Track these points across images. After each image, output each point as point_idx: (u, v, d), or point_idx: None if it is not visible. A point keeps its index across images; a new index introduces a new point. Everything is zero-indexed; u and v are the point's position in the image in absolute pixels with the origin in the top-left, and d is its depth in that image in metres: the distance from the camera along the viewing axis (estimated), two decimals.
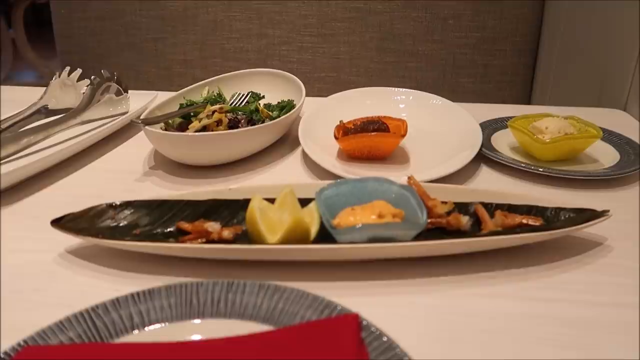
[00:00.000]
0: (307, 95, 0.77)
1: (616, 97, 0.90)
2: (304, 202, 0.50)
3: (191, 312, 0.38)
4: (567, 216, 0.50)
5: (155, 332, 0.37)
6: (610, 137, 0.70)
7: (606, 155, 0.67)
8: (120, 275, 0.46)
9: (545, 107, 0.86)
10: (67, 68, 0.84)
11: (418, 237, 0.46)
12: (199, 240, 0.48)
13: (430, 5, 1.30)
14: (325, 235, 0.46)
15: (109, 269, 0.47)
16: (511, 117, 0.74)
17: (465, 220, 0.48)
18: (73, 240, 0.49)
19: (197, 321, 0.38)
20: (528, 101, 1.35)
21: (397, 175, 0.63)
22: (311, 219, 0.48)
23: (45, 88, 0.83)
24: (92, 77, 0.80)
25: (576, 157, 0.67)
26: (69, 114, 0.75)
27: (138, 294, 0.39)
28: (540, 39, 1.30)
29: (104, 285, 0.45)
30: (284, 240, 0.45)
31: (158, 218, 0.51)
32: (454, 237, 0.47)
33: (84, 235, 0.46)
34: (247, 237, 0.48)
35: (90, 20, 1.45)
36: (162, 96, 0.78)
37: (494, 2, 1.28)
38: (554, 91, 1.22)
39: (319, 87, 1.39)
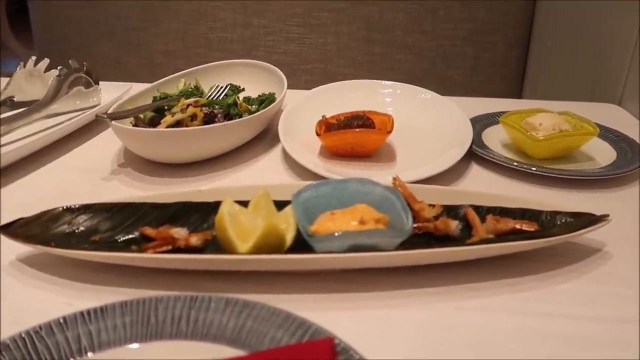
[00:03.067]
0: (293, 87, 0.72)
1: (610, 92, 0.87)
2: (281, 204, 0.46)
3: (149, 332, 0.34)
4: (563, 221, 0.46)
5: (104, 357, 0.33)
6: (606, 133, 0.67)
7: (602, 153, 0.63)
8: (74, 288, 0.42)
9: (538, 101, 0.83)
10: (34, 57, 0.79)
11: (403, 244, 0.42)
12: (164, 247, 0.43)
13: None
14: (302, 242, 0.42)
15: (62, 279, 0.42)
16: (503, 112, 0.71)
17: (454, 225, 0.45)
18: (25, 248, 0.44)
19: (155, 343, 0.34)
20: (519, 95, 1.32)
21: (383, 174, 0.59)
22: (287, 224, 0.44)
23: (8, 79, 0.77)
24: (59, 67, 0.75)
25: (571, 154, 0.63)
26: (33, 107, 0.70)
27: (89, 311, 0.35)
28: (532, 31, 1.27)
29: (55, 299, 0.40)
30: (256, 249, 0.40)
31: (120, 222, 0.46)
32: (442, 244, 0.44)
33: (34, 243, 0.42)
34: (218, 243, 0.43)
35: (68, 9, 1.39)
36: (137, 88, 0.74)
37: None
38: (546, 85, 1.19)
39: (306, 78, 1.35)
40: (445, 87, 1.34)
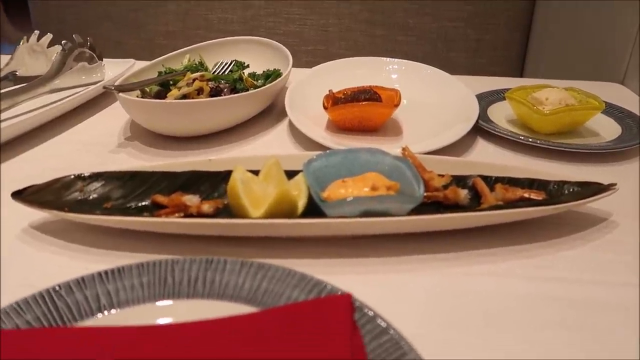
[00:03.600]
0: (295, 68, 0.72)
1: (613, 74, 0.87)
2: (291, 174, 0.47)
3: (165, 292, 0.35)
4: (571, 190, 0.47)
5: (124, 314, 0.33)
6: (611, 110, 0.67)
7: (607, 128, 0.64)
8: (89, 252, 0.42)
9: (542, 80, 0.83)
10: (36, 32, 0.79)
11: (413, 212, 0.42)
12: (176, 214, 0.44)
13: None
14: (313, 209, 0.42)
15: (76, 245, 0.43)
16: (507, 89, 0.71)
17: (463, 194, 0.45)
18: (37, 215, 0.44)
19: (171, 302, 0.34)
20: (520, 77, 1.32)
21: (390, 147, 0.59)
22: (298, 191, 0.44)
23: (11, 54, 0.77)
24: (64, 42, 0.74)
25: (576, 129, 0.64)
26: (37, 81, 0.70)
27: (106, 272, 0.35)
28: (533, 14, 1.26)
29: (70, 263, 0.41)
30: (269, 215, 0.41)
31: (131, 191, 0.47)
32: (453, 212, 0.44)
33: (49, 209, 0.42)
34: (229, 211, 0.44)
35: None
36: (140, 65, 0.73)
37: None
38: (548, 67, 1.19)
39: (307, 60, 1.34)
40: (447, 69, 1.33)
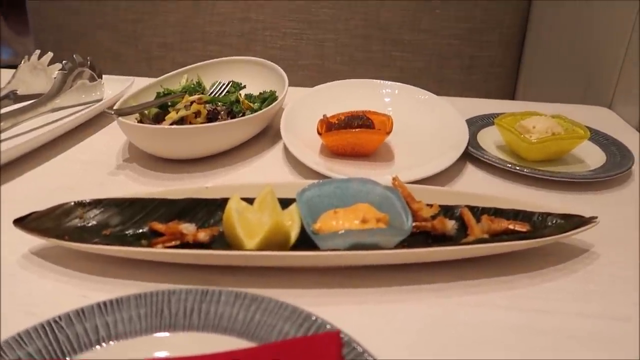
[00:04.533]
0: (291, 83, 0.74)
1: (602, 94, 0.89)
2: (285, 202, 0.48)
3: (162, 323, 0.36)
4: (554, 222, 0.48)
5: (122, 347, 0.34)
6: (596, 137, 0.69)
7: (592, 156, 0.66)
8: (87, 279, 0.43)
9: (531, 103, 0.85)
10: (38, 51, 0.80)
11: (402, 242, 0.44)
12: (173, 242, 0.45)
13: None
14: (306, 238, 0.44)
15: (75, 272, 0.44)
16: (498, 114, 0.73)
17: (450, 225, 0.47)
18: (38, 241, 0.46)
19: (168, 334, 0.36)
20: (512, 94, 1.35)
21: (381, 173, 0.61)
22: (292, 221, 0.46)
23: (13, 71, 0.78)
24: (64, 61, 0.76)
25: (562, 157, 0.66)
26: (38, 101, 0.71)
27: (105, 303, 0.37)
28: (526, 32, 1.29)
29: (69, 290, 0.42)
30: (263, 245, 0.42)
31: (129, 218, 0.48)
32: (440, 243, 0.46)
33: (49, 237, 0.44)
34: (224, 239, 0.45)
35: None
36: (139, 82, 0.75)
37: None
38: (539, 85, 1.21)
39: (303, 74, 1.36)
40: (441, 85, 1.36)
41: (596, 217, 0.47)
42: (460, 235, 0.48)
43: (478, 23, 1.29)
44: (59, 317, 0.35)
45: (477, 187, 0.61)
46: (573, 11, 1.04)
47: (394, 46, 1.33)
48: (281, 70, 0.78)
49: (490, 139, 0.70)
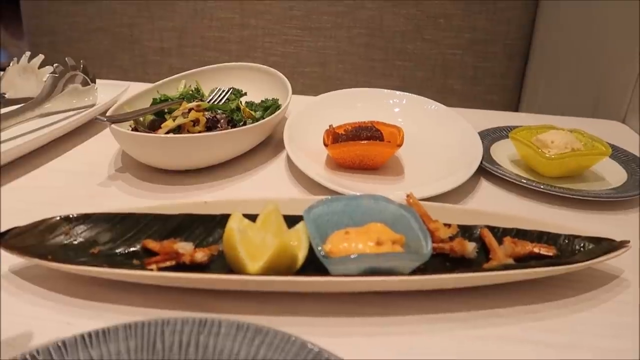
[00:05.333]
0: (293, 94, 0.70)
1: (614, 108, 0.86)
2: (290, 219, 0.44)
3: (154, 358, 0.32)
4: (582, 245, 0.45)
5: None
6: (615, 153, 0.66)
7: (613, 173, 0.62)
8: (72, 304, 0.39)
9: (544, 116, 0.82)
10: (28, 53, 0.76)
11: (418, 267, 0.40)
12: (168, 262, 0.41)
13: (421, 3, 1.25)
14: (314, 259, 0.40)
15: (59, 295, 0.40)
16: (509, 126, 0.69)
17: (471, 248, 0.43)
18: (19, 259, 0.41)
19: None
20: (516, 106, 1.32)
21: (391, 188, 0.58)
22: (298, 242, 0.42)
23: (1, 73, 0.74)
24: (55, 65, 0.72)
25: (581, 174, 0.62)
26: (26, 105, 0.67)
27: (90, 334, 0.32)
28: (531, 43, 1.26)
29: (52, 316, 0.38)
30: (267, 269, 0.38)
31: (121, 234, 0.44)
32: (458, 266, 0.42)
33: (30, 256, 0.39)
34: (224, 259, 0.41)
35: (60, 1, 1.36)
36: (135, 88, 0.71)
37: (486, 2, 1.24)
38: (543, 98, 1.18)
39: (303, 82, 1.33)
40: (444, 95, 1.33)
41: (628, 242, 0.44)
42: (481, 259, 0.44)
43: (482, 34, 1.26)
44: (37, 351, 0.31)
45: (492, 204, 0.57)
46: (581, 21, 1.01)
47: (396, 55, 1.30)
48: (284, 78, 0.74)
49: (503, 153, 0.66)
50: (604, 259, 0.42)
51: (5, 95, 0.72)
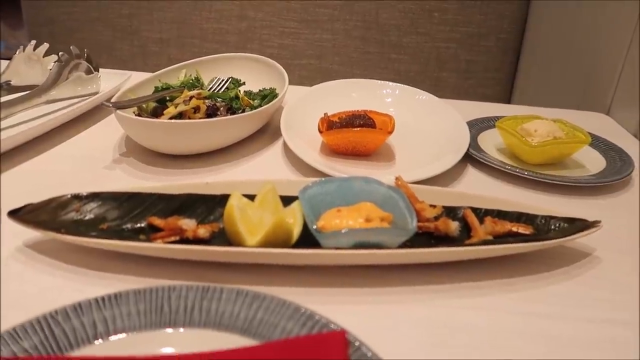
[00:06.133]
0: (290, 85, 0.73)
1: (600, 100, 0.89)
2: (286, 199, 0.48)
3: (162, 320, 0.35)
4: (557, 225, 0.48)
5: (121, 343, 0.33)
6: (596, 142, 0.69)
7: (592, 161, 0.66)
8: (84, 274, 0.42)
9: (531, 107, 0.85)
10: (33, 42, 0.79)
11: (405, 242, 0.44)
12: (172, 237, 0.44)
13: None
14: (308, 236, 0.43)
15: (71, 266, 0.43)
16: (498, 117, 0.72)
17: (454, 226, 0.46)
18: (32, 234, 0.44)
19: (168, 330, 0.35)
20: (509, 99, 1.35)
21: (383, 174, 0.61)
22: (294, 219, 0.45)
23: (8, 62, 0.77)
24: (60, 53, 0.75)
25: (563, 161, 0.66)
26: (33, 92, 0.70)
27: (103, 298, 0.35)
28: (523, 37, 1.29)
29: (65, 285, 0.41)
30: (265, 243, 0.42)
31: (128, 212, 0.47)
32: (443, 244, 0.45)
33: (45, 229, 0.42)
34: (225, 235, 0.44)
35: None
36: (136, 77, 0.74)
37: None
38: (535, 91, 1.22)
39: (300, 74, 1.36)
40: (438, 88, 1.36)
41: (599, 222, 0.47)
42: (464, 237, 0.47)
43: (475, 28, 1.29)
44: (55, 312, 0.34)
45: (477, 189, 0.60)
46: (571, 17, 1.04)
47: (391, 48, 1.33)
48: (281, 68, 0.77)
49: (490, 142, 0.70)
50: (576, 237, 0.45)
51: (12, 83, 0.75)
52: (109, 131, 0.68)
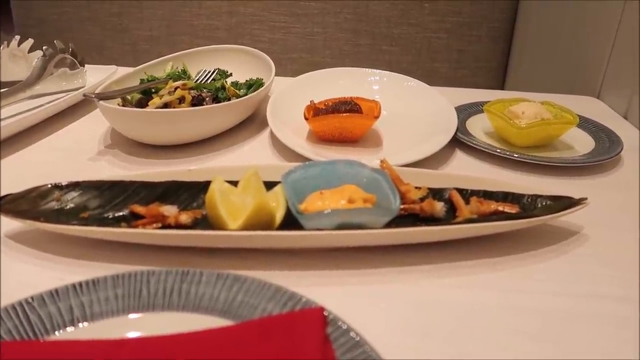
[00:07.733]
0: (279, 76, 0.73)
1: (590, 85, 0.89)
2: (270, 185, 0.47)
3: (140, 304, 0.35)
4: (544, 204, 0.48)
5: (98, 327, 0.33)
6: (585, 124, 0.69)
7: (581, 142, 0.65)
8: (64, 263, 0.42)
9: (520, 92, 0.85)
10: (17, 37, 0.78)
11: (390, 224, 0.43)
12: (154, 225, 0.44)
13: None
14: (291, 221, 0.43)
15: (52, 255, 0.42)
16: (487, 102, 0.72)
17: (439, 207, 0.46)
18: (13, 224, 0.44)
19: (146, 314, 0.34)
20: (501, 88, 1.35)
21: (370, 159, 0.60)
22: (277, 203, 0.44)
23: None
24: (44, 47, 0.74)
25: (552, 142, 0.65)
26: (17, 87, 0.69)
27: (80, 283, 0.35)
28: (514, 26, 1.29)
29: (45, 274, 0.41)
30: (247, 226, 0.41)
31: (109, 201, 0.46)
32: (428, 224, 0.45)
33: (24, 219, 0.42)
34: (207, 222, 0.44)
35: None
36: (123, 71, 0.73)
37: None
38: (527, 79, 1.21)
39: (291, 68, 1.35)
40: (430, 79, 1.34)
41: (586, 199, 0.46)
42: (449, 218, 0.47)
43: (466, 17, 1.29)
44: (32, 298, 0.34)
45: (466, 172, 0.60)
46: (561, 4, 1.03)
47: (382, 40, 1.32)
48: (267, 58, 0.76)
49: (479, 126, 0.69)
50: (562, 214, 0.45)
51: None
52: (94, 124, 0.68)
